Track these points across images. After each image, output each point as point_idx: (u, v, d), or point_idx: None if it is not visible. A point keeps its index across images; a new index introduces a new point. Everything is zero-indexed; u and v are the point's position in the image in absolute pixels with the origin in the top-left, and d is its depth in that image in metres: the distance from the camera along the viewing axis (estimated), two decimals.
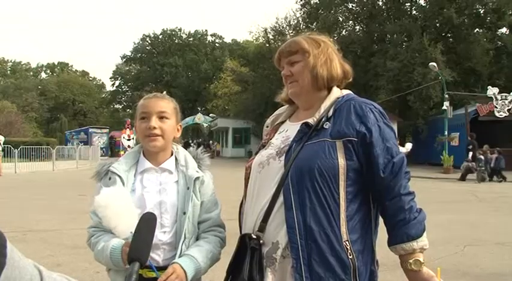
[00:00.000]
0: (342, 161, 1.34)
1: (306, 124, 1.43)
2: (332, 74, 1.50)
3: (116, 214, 1.33)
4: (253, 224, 1.43)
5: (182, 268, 1.49)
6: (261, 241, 1.39)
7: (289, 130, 1.53)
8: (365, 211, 1.40)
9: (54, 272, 0.63)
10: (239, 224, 1.59)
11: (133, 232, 1.16)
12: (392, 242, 1.38)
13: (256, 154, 1.59)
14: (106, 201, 1.34)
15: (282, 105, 1.69)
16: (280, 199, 1.37)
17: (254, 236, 1.39)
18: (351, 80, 1.57)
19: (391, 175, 1.36)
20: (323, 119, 1.42)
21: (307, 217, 1.32)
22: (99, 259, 1.57)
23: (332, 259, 1.31)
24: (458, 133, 19.94)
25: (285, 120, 1.62)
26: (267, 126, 1.68)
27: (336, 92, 1.50)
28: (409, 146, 15.24)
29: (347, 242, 1.33)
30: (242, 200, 1.61)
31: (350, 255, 1.32)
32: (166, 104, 1.66)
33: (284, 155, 1.42)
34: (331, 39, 1.60)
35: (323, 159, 1.34)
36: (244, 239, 1.42)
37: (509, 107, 19.39)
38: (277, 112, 1.67)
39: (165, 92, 1.79)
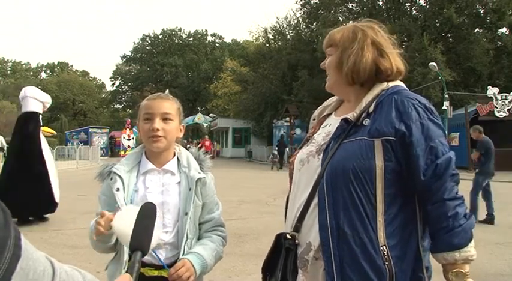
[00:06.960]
0: (379, 162, 1.24)
1: (345, 120, 1.34)
2: (358, 69, 1.35)
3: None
4: (291, 223, 1.39)
5: (191, 263, 1.53)
6: (296, 241, 1.34)
7: (332, 125, 1.44)
8: (408, 213, 1.29)
9: (64, 265, 0.64)
10: (285, 221, 1.55)
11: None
12: (434, 250, 1.28)
13: (300, 148, 1.51)
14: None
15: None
16: (315, 199, 1.31)
17: (289, 236, 1.34)
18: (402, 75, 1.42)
19: (434, 178, 1.23)
20: (363, 115, 1.32)
21: (340, 219, 1.25)
22: (91, 241, 1.52)
23: (365, 264, 1.23)
24: (458, 133, 19.90)
25: (331, 113, 1.52)
26: (314, 119, 1.57)
27: (381, 85, 1.37)
28: None
29: (384, 247, 1.23)
30: (288, 196, 1.54)
31: (386, 261, 1.23)
32: (170, 105, 1.66)
33: (322, 153, 1.35)
34: (383, 28, 1.47)
35: (359, 159, 1.25)
36: (279, 238, 1.37)
37: (509, 107, 19.38)
38: (325, 103, 1.56)
39: (167, 91, 1.79)
